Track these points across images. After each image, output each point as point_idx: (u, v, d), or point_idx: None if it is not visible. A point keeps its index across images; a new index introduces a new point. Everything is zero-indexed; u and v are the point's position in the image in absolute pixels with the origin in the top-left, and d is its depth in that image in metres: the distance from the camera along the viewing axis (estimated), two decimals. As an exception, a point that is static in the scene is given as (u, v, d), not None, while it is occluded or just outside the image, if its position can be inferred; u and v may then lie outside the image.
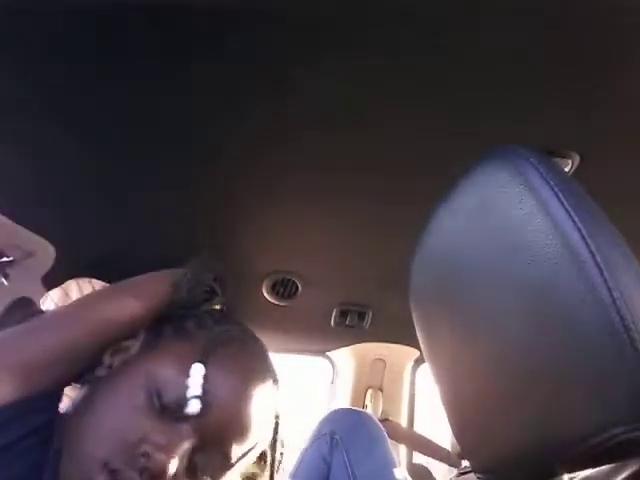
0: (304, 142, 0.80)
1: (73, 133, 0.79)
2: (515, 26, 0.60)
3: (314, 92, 0.70)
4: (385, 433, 1.14)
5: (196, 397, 0.45)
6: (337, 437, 1.09)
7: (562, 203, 0.32)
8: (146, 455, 0.42)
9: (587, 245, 0.31)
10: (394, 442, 1.33)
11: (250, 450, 0.51)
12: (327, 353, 1.65)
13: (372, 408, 1.54)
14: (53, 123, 0.76)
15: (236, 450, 0.48)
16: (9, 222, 0.93)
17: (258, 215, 1.00)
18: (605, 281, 0.29)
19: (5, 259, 0.99)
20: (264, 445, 0.56)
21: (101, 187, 0.91)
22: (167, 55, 0.66)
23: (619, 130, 0.73)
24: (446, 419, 0.47)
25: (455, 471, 1.32)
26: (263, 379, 0.54)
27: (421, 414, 1.62)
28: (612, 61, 0.63)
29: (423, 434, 1.55)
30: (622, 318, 0.28)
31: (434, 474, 1.53)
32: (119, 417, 0.45)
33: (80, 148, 0.82)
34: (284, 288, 1.25)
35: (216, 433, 0.47)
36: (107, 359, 0.53)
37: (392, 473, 1.04)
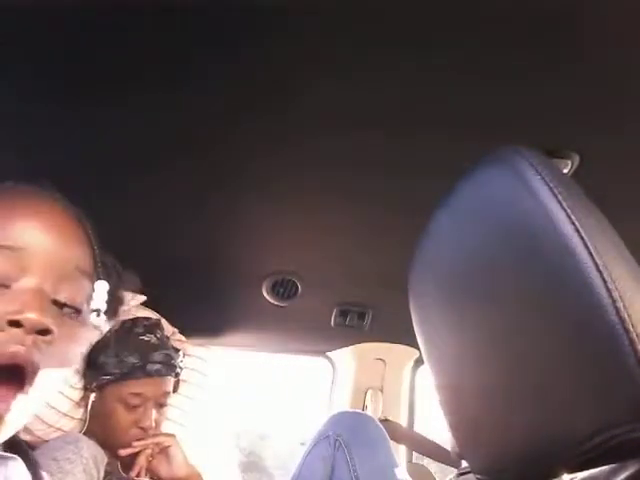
0: (304, 143, 0.80)
1: (73, 135, 0.79)
2: (515, 26, 0.60)
3: (314, 93, 0.70)
4: (386, 435, 1.15)
5: None
6: (340, 439, 1.10)
7: (561, 204, 0.32)
8: (11, 323, 0.41)
9: (586, 246, 0.31)
10: (394, 442, 1.33)
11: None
12: (327, 353, 1.64)
13: (372, 409, 1.54)
14: (53, 124, 0.77)
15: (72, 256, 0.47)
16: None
17: (258, 215, 1.00)
18: (604, 282, 0.29)
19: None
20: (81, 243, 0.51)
21: (101, 188, 0.91)
22: (167, 55, 0.66)
23: (619, 130, 0.73)
24: (445, 419, 0.47)
25: (455, 471, 1.32)
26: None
27: (421, 414, 1.62)
28: (612, 61, 0.63)
29: (423, 434, 1.55)
30: (621, 319, 0.28)
31: (434, 474, 1.53)
32: None
33: (80, 148, 0.82)
34: (284, 288, 1.25)
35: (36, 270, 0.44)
36: None
37: (394, 474, 1.06)
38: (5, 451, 0.47)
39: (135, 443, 0.90)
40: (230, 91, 0.71)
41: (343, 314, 1.35)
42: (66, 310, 0.47)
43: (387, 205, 0.94)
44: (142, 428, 0.92)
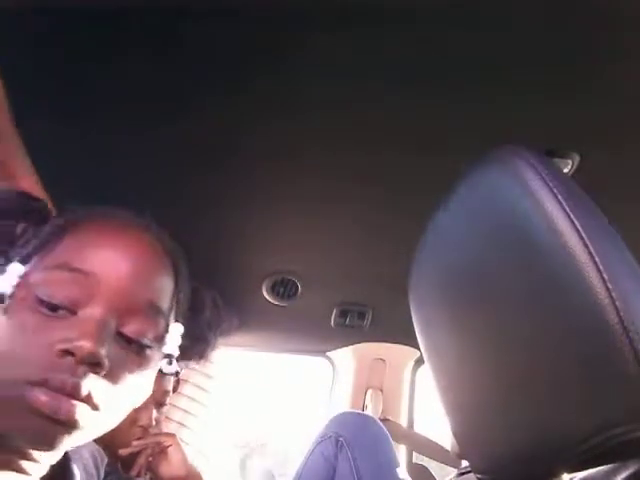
0: (305, 146, 0.80)
1: (73, 137, 0.79)
2: (515, 27, 0.60)
3: (314, 101, 0.71)
4: (388, 435, 1.15)
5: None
6: (342, 439, 1.10)
7: (561, 204, 0.32)
8: (63, 352, 0.38)
9: (586, 246, 0.31)
10: (394, 442, 1.34)
11: (162, 286, 0.47)
12: (327, 353, 1.65)
13: (372, 408, 1.54)
14: (53, 125, 0.77)
15: (148, 295, 0.45)
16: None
17: (258, 215, 1.00)
18: (604, 282, 0.29)
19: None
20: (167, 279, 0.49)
21: (100, 185, 0.91)
22: (167, 58, 0.66)
23: (619, 130, 0.73)
24: (445, 419, 0.47)
25: (455, 471, 1.32)
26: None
27: (421, 414, 1.62)
28: (612, 61, 0.63)
29: (423, 434, 1.55)
30: (621, 319, 0.28)
31: (434, 474, 1.53)
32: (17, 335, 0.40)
33: (80, 148, 0.82)
34: (284, 288, 1.25)
35: (115, 303, 0.42)
36: None
37: (395, 473, 1.06)
38: None
39: (135, 442, 0.90)
40: (234, 99, 0.71)
41: (343, 314, 1.35)
42: (133, 346, 0.44)
43: (387, 205, 0.94)
44: (142, 427, 0.91)
